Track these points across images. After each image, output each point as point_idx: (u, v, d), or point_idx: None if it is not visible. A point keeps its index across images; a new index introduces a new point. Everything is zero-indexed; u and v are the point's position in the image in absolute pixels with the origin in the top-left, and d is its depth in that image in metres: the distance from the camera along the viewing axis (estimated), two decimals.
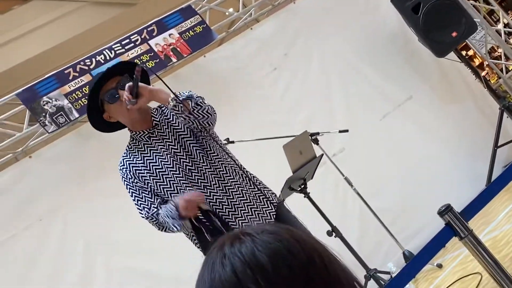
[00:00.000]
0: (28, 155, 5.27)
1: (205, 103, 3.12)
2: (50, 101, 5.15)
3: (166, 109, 3.22)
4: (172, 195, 3.16)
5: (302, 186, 4.79)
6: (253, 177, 3.36)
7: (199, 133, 3.22)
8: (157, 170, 3.18)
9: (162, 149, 3.19)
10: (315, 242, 0.97)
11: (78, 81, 5.24)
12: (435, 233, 2.97)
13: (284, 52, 6.17)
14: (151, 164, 3.19)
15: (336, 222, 4.80)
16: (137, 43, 5.44)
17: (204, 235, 3.10)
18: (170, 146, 3.19)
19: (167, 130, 3.22)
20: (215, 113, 3.19)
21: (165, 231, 3.25)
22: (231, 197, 3.21)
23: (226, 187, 3.22)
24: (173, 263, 5.05)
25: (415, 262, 3.18)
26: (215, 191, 3.20)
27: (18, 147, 5.34)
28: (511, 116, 6.36)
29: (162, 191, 3.20)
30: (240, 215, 3.20)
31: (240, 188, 3.25)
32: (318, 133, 5.05)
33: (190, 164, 3.20)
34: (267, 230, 0.94)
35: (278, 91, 6.02)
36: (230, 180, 3.25)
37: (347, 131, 5.23)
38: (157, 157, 3.18)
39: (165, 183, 3.19)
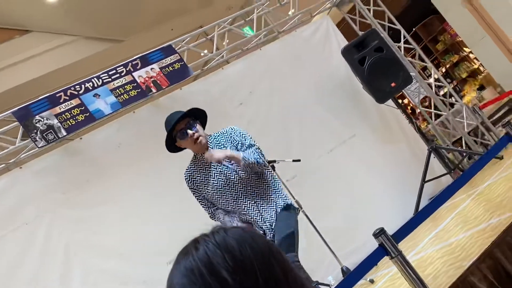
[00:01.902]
0: (19, 166, 5.18)
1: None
2: (42, 119, 5.05)
3: (219, 137, 3.84)
4: (218, 202, 3.74)
5: None
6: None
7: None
8: (209, 185, 3.71)
9: (212, 172, 3.70)
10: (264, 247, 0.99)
11: (67, 103, 5.15)
12: (370, 252, 2.98)
13: (250, 90, 6.19)
14: (206, 180, 3.72)
15: None
16: (122, 74, 5.39)
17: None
18: (219, 169, 3.69)
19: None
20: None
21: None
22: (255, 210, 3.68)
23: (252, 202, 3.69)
24: (144, 267, 4.96)
25: (350, 277, 3.18)
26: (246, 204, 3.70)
27: (11, 158, 5.25)
28: (437, 156, 6.47)
29: (212, 199, 3.76)
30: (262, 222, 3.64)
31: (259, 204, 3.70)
32: (275, 161, 5.04)
33: (228, 185, 3.68)
34: (237, 227, 1.00)
35: (244, 123, 6.01)
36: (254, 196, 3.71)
37: (299, 160, 5.25)
38: (209, 175, 3.71)
39: (214, 195, 3.72)
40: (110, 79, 5.32)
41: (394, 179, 6.36)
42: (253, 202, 3.67)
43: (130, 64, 5.46)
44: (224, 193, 3.69)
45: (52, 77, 8.02)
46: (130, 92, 5.33)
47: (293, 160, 5.22)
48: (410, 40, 7.61)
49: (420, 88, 7.48)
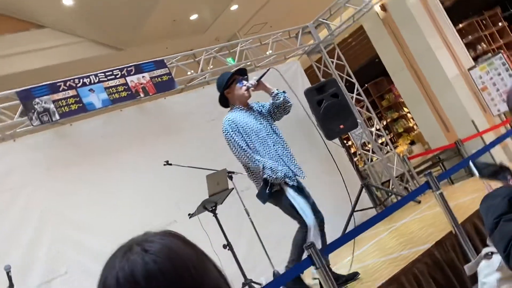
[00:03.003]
0: (13, 139, 5.04)
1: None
2: (40, 102, 4.93)
3: (255, 106, 4.08)
4: (256, 145, 3.86)
5: (213, 208, 4.73)
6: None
7: (269, 120, 4.08)
8: (250, 133, 3.87)
9: (253, 122, 3.92)
10: (191, 255, 0.81)
11: (65, 93, 5.04)
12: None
13: (223, 110, 6.16)
14: (248, 127, 3.88)
15: (232, 239, 4.75)
16: (117, 76, 5.31)
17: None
18: (258, 120, 3.97)
19: (255, 113, 4.05)
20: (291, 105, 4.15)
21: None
22: (286, 152, 4.01)
23: (283, 147, 4.02)
24: (112, 245, 4.82)
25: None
26: (280, 148, 3.98)
27: (7, 131, 5.10)
28: (368, 192, 6.56)
29: (250, 141, 3.86)
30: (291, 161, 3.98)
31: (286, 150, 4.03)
32: (233, 172, 5.03)
33: (266, 134, 3.94)
34: (151, 252, 0.78)
35: (213, 136, 5.98)
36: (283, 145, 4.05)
37: None
38: (249, 125, 3.89)
39: (252, 139, 3.86)
40: (105, 79, 5.24)
41: (330, 204, 6.39)
42: (288, 150, 4.04)
43: (125, 69, 5.39)
44: (265, 139, 3.90)
45: (55, 69, 7.85)
46: (121, 92, 5.26)
47: None
48: (362, 93, 7.76)
49: (363, 133, 7.60)
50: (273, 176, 3.76)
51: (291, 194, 3.84)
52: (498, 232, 1.44)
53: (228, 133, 3.91)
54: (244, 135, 3.87)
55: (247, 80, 4.12)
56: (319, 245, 3.61)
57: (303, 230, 3.80)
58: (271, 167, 3.77)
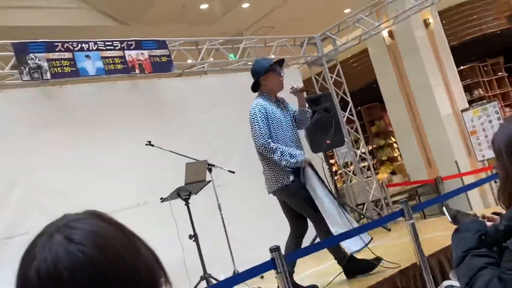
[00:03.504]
0: (1, 90, 4.94)
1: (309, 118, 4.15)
2: (34, 59, 4.85)
3: (284, 103, 4.14)
4: (278, 134, 3.90)
5: (187, 196, 4.70)
6: None
7: (293, 118, 4.09)
8: (275, 121, 3.90)
9: (278, 112, 3.96)
10: (120, 238, 0.73)
11: (61, 54, 4.97)
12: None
13: (214, 102, 6.15)
14: (274, 115, 3.91)
15: (199, 231, 4.72)
16: (116, 48, 5.26)
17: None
18: (283, 112, 4.02)
19: (282, 105, 4.09)
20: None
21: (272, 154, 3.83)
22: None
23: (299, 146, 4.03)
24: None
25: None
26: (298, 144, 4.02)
27: None
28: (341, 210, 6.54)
29: (274, 133, 3.89)
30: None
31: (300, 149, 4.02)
32: (213, 165, 5.00)
33: (288, 126, 3.98)
34: (75, 240, 0.69)
35: (200, 127, 5.96)
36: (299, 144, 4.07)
37: (233, 172, 5.22)
38: (275, 114, 3.92)
39: (277, 131, 3.90)
40: (104, 48, 5.18)
41: None
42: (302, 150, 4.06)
43: (126, 42, 5.34)
44: (287, 131, 3.95)
45: (58, 30, 7.72)
46: (117, 65, 5.20)
47: (229, 170, 5.18)
48: (354, 114, 7.78)
49: (348, 153, 7.63)
50: (292, 160, 3.78)
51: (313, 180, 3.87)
52: (464, 265, 1.44)
53: (255, 117, 3.89)
54: (269, 121, 3.89)
55: (283, 72, 4.17)
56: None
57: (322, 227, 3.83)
58: (290, 153, 3.81)
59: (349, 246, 3.93)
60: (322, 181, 3.96)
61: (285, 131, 3.97)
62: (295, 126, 4.08)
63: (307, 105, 4.13)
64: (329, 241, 3.68)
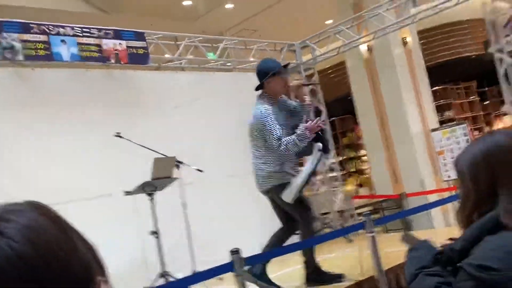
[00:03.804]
0: None
1: None
2: (7, 38, 4.73)
3: (283, 101, 4.27)
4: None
5: (152, 191, 4.65)
6: None
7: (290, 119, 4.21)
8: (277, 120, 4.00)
9: (279, 114, 4.07)
10: (57, 234, 0.68)
11: (36, 36, 4.86)
12: None
13: (189, 98, 6.10)
14: (276, 115, 4.02)
15: (161, 228, 4.67)
16: (94, 35, 5.17)
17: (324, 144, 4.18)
18: (281, 113, 4.13)
19: (282, 105, 4.22)
20: None
21: (286, 149, 3.94)
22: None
23: None
24: (42, 199, 4.62)
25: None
26: None
27: None
28: None
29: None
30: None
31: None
32: (181, 162, 4.96)
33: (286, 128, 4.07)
34: (7, 234, 0.64)
35: (172, 122, 5.91)
36: None
37: (201, 171, 5.18)
38: (277, 115, 4.03)
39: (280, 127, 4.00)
40: (81, 34, 5.09)
41: (269, 219, 6.36)
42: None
43: (104, 31, 5.25)
44: (286, 130, 4.06)
45: (33, 11, 7.57)
46: (93, 52, 5.11)
47: (197, 169, 5.14)
48: (328, 124, 7.84)
49: None
50: (298, 147, 3.95)
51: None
52: (415, 283, 1.46)
53: (268, 120, 3.98)
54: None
55: (289, 76, 4.43)
56: None
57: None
58: (294, 141, 3.92)
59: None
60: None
61: (286, 130, 4.11)
62: (291, 123, 4.21)
63: (307, 98, 4.30)
64: (307, 243, 3.80)
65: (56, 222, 0.69)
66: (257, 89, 4.27)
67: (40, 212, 0.69)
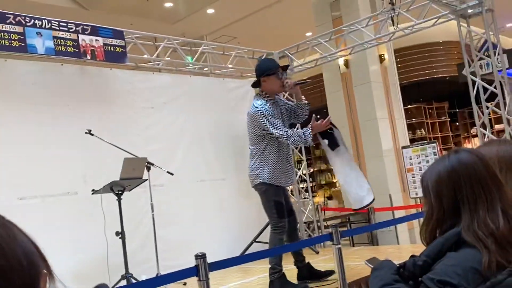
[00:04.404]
0: None
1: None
2: None
3: (280, 100, 4.42)
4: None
5: (120, 192, 4.59)
6: None
7: (286, 119, 4.37)
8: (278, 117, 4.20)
9: (274, 112, 4.18)
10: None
11: (11, 27, 4.74)
12: None
13: (164, 100, 6.06)
14: (273, 113, 4.14)
15: (127, 229, 4.61)
16: (70, 30, 5.08)
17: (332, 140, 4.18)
18: (277, 112, 4.26)
19: (278, 103, 4.35)
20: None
21: (293, 142, 4.09)
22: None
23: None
24: (5, 195, 4.52)
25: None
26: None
27: None
28: None
29: None
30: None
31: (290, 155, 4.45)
32: (153, 164, 4.91)
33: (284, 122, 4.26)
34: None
35: (146, 123, 5.85)
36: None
37: (172, 174, 5.15)
38: (274, 114, 4.15)
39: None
40: (58, 28, 5.00)
41: (237, 226, 6.38)
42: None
43: (81, 26, 5.17)
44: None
45: (13, 2, 7.41)
46: (68, 47, 5.03)
47: (168, 172, 5.10)
48: None
49: None
50: (301, 138, 4.04)
51: None
52: None
53: (266, 114, 4.09)
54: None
55: (286, 76, 4.43)
56: None
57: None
58: (298, 134, 4.04)
59: (357, 201, 4.23)
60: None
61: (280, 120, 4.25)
62: (286, 122, 4.35)
63: (304, 100, 4.43)
64: (272, 251, 3.89)
65: None
66: (253, 86, 4.47)
67: None
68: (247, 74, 7.32)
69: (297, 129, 4.66)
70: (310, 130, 4.04)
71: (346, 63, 8.57)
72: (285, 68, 4.43)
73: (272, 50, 7.32)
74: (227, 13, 9.74)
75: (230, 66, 6.93)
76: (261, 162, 4.20)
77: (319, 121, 4.09)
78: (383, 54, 8.56)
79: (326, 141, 4.23)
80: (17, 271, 0.65)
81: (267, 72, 4.24)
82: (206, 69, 7.53)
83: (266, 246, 6.21)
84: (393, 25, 5.89)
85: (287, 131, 4.08)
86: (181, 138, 6.11)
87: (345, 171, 4.27)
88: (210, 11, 9.76)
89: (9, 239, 0.66)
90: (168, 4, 9.34)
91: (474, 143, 12.95)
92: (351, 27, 6.84)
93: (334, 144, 4.20)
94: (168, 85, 6.17)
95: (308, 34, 10.47)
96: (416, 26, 6.21)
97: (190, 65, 6.75)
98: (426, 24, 6.17)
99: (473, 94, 5.72)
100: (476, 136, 12.93)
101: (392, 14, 5.78)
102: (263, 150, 4.21)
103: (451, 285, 1.29)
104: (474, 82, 5.73)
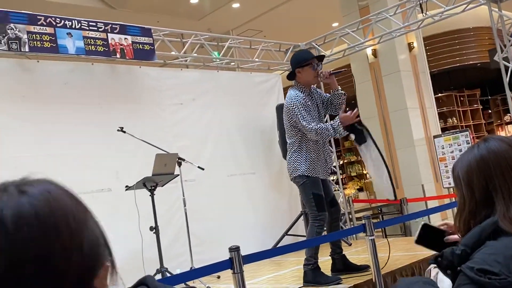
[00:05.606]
0: None
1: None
2: (14, 29, 4.73)
3: (316, 93, 4.37)
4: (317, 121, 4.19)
5: (152, 187, 4.65)
6: None
7: (321, 110, 4.35)
8: (312, 109, 4.20)
9: (310, 104, 4.17)
10: (73, 205, 0.72)
11: (42, 28, 4.86)
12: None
13: (193, 97, 6.11)
14: (306, 104, 4.12)
15: (161, 224, 4.67)
16: (100, 29, 5.17)
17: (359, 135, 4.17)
18: (312, 103, 4.23)
19: (314, 95, 4.31)
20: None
21: (319, 135, 4.05)
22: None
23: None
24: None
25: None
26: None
27: None
28: (305, 220, 6.57)
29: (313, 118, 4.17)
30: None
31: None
32: (184, 159, 4.96)
33: (315, 117, 4.20)
34: (29, 193, 0.69)
35: (175, 119, 5.92)
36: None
37: (203, 169, 5.18)
38: (308, 102, 4.15)
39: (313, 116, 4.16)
40: (87, 28, 5.09)
41: (268, 219, 6.40)
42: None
43: (110, 25, 5.25)
44: (314, 119, 4.16)
45: (40, 3, 7.57)
46: (98, 46, 5.11)
47: (198, 167, 5.15)
48: None
49: None
50: (331, 132, 4.04)
51: None
52: None
53: (297, 105, 4.07)
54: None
55: (321, 67, 4.35)
56: None
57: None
58: (326, 127, 4.03)
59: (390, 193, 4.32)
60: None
61: (313, 120, 4.19)
62: (323, 114, 4.38)
63: (339, 88, 4.34)
64: (320, 239, 3.99)
65: (72, 198, 0.73)
66: (288, 77, 4.43)
67: (59, 187, 0.74)
68: (274, 68, 7.31)
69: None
70: (339, 121, 4.01)
71: (374, 53, 8.46)
72: (320, 58, 4.38)
73: (299, 42, 7.29)
74: (252, 7, 9.72)
75: (257, 59, 6.93)
76: (298, 155, 4.16)
77: (348, 113, 4.05)
78: (412, 42, 8.42)
79: (353, 136, 4.20)
80: (79, 254, 0.67)
81: (302, 63, 4.20)
82: (233, 63, 7.55)
83: (298, 239, 6.23)
84: (422, 12, 5.78)
85: (314, 127, 4.02)
86: (210, 133, 6.16)
87: (374, 164, 4.23)
88: (236, 5, 9.76)
89: (81, 223, 0.70)
90: (194, 1, 9.38)
91: (508, 131, 12.63)
92: (379, 16, 6.74)
93: (361, 139, 4.16)
94: (195, 81, 6.22)
95: (335, 24, 10.37)
96: (446, 13, 6.08)
97: (217, 60, 6.78)
98: (456, 10, 6.04)
99: (506, 80, 5.57)
100: (510, 123, 12.62)
101: (421, 1, 5.68)
102: (300, 142, 4.16)
103: (491, 273, 1.26)
104: (507, 68, 5.58)
